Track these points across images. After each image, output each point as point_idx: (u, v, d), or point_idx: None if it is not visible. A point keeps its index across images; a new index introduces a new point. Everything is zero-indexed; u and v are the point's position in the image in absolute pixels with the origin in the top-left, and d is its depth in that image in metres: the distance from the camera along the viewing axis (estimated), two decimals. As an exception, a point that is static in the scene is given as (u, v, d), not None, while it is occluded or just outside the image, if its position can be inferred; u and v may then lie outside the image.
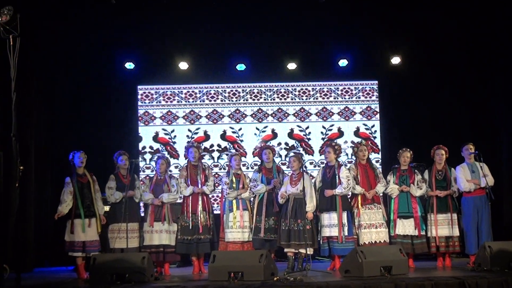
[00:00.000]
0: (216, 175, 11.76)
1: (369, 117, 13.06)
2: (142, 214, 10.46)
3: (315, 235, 10.10)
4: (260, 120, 13.03)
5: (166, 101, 12.94)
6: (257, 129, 13.03)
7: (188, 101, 12.93)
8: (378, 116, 13.04)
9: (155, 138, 12.87)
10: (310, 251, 9.92)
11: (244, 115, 13.01)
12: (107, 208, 10.26)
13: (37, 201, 11.24)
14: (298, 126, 13.07)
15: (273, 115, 13.05)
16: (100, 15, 11.96)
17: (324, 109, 13.06)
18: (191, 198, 10.19)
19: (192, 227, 10.06)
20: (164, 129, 12.90)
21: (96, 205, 10.01)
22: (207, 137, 12.96)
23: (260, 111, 13.02)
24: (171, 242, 10.08)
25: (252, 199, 10.36)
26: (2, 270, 7.82)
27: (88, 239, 9.83)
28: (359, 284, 8.11)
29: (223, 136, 13.00)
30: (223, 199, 10.48)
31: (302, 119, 13.07)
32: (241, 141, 12.97)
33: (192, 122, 12.91)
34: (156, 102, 12.89)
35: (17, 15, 7.54)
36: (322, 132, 13.06)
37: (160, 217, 10.08)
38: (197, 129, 12.95)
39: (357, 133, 13.03)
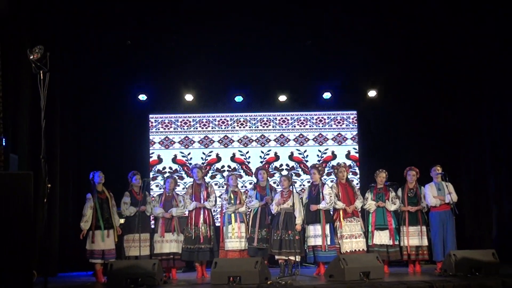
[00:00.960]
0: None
1: (343, 142, 13.06)
2: (153, 226, 10.42)
3: (302, 244, 10.09)
4: (262, 144, 12.98)
5: (183, 128, 12.88)
6: (262, 152, 12.97)
7: (202, 128, 12.92)
8: (357, 141, 13.01)
9: (174, 160, 12.80)
10: (298, 258, 9.91)
11: (251, 140, 12.98)
12: (122, 220, 10.23)
13: (61, 214, 11.18)
14: (297, 149, 13.02)
15: (276, 140, 13.00)
16: (117, 54, 12.02)
17: (320, 135, 13.06)
18: (194, 212, 10.20)
19: (194, 237, 10.07)
20: (181, 152, 12.83)
21: (113, 218, 10.02)
22: (218, 159, 12.89)
23: (262, 136, 12.99)
24: (179, 250, 10.10)
25: (248, 212, 10.32)
26: (31, 275, 7.76)
27: (107, 248, 9.84)
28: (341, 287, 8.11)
29: (233, 158, 12.91)
30: (223, 213, 10.45)
31: (301, 143, 13.04)
32: (248, 162, 12.87)
33: (206, 146, 12.87)
34: (173, 129, 12.85)
35: (47, 53, 7.54)
36: (318, 155, 13.02)
37: (170, 228, 10.11)
38: (210, 152, 12.88)
39: (348, 155, 13.02)
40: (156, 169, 12.77)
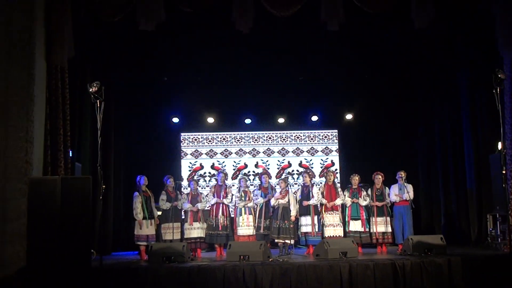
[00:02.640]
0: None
1: (325, 154, 13.02)
2: (183, 217, 10.44)
3: (296, 231, 10.10)
4: (283, 154, 12.98)
5: (209, 142, 12.87)
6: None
7: (222, 143, 12.90)
8: (330, 154, 13.01)
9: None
10: (292, 241, 9.93)
11: (271, 152, 12.98)
12: (159, 213, 10.23)
13: (114, 207, 11.23)
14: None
15: (279, 152, 12.97)
16: (156, 87, 12.12)
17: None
18: (215, 206, 10.23)
19: (214, 225, 10.10)
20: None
21: (154, 211, 10.04)
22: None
23: (283, 149, 12.97)
24: (203, 235, 10.13)
25: (255, 207, 10.32)
26: (90, 254, 7.81)
27: (150, 233, 9.86)
28: (325, 264, 8.11)
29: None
30: (236, 207, 10.47)
31: (297, 154, 12.98)
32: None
33: (226, 156, 12.85)
34: (201, 143, 12.85)
35: (102, 87, 7.62)
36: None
37: (196, 218, 10.14)
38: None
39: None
40: (199, 173, 12.73)
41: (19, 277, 7.04)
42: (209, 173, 12.80)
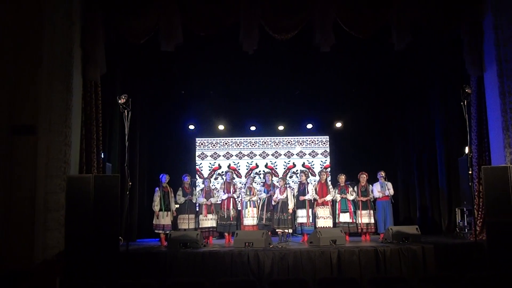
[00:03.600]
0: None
1: (324, 156, 13.01)
2: (197, 209, 10.43)
3: (293, 222, 10.12)
4: (287, 156, 12.90)
5: (218, 146, 12.80)
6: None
7: (232, 147, 12.84)
8: (329, 156, 13.00)
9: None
10: (290, 231, 9.94)
11: (277, 154, 12.89)
12: (177, 206, 10.24)
13: (139, 201, 11.24)
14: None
15: (285, 154, 12.90)
16: (175, 99, 12.14)
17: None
18: (226, 201, 10.22)
19: (226, 216, 10.11)
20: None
21: (171, 204, 10.05)
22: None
23: (288, 152, 12.91)
24: (215, 225, 10.14)
25: (258, 201, 10.33)
26: (118, 240, 7.85)
27: (166, 223, 9.88)
28: (318, 250, 8.12)
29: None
30: (242, 201, 10.48)
31: (301, 157, 12.93)
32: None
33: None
34: (212, 146, 12.80)
35: (129, 99, 7.66)
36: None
37: (210, 211, 10.14)
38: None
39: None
40: (217, 172, 12.68)
41: (58, 260, 7.09)
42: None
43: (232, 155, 12.82)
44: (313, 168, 12.83)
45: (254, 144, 12.91)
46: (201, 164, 12.70)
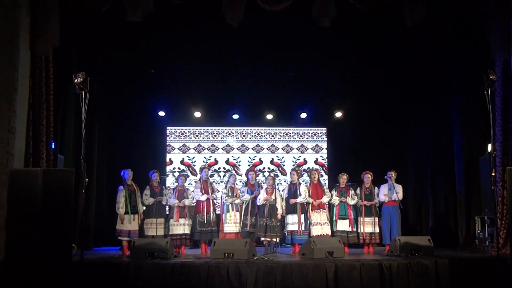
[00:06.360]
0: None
1: (320, 151, 13.07)
2: (167, 213, 10.42)
3: (281, 229, 10.18)
4: (257, 151, 13.02)
5: (193, 137, 12.89)
6: (250, 157, 12.96)
7: (207, 138, 12.92)
8: (325, 151, 13.06)
9: (182, 162, 12.78)
10: (278, 239, 10.00)
11: (247, 148, 12.99)
12: (143, 208, 10.20)
13: (96, 201, 11.21)
14: (277, 156, 13.04)
15: (268, 148, 13.02)
16: (143, 79, 12.08)
17: (302, 145, 13.11)
18: (205, 202, 10.20)
19: (207, 221, 10.10)
20: (188, 156, 12.81)
21: (138, 205, 10.00)
22: (216, 162, 12.87)
23: (257, 145, 13.01)
24: (189, 232, 10.13)
25: (241, 204, 10.34)
26: (71, 248, 7.80)
27: (132, 229, 9.84)
28: (311, 263, 8.11)
29: (227, 162, 12.91)
30: (222, 204, 10.48)
31: (287, 152, 13.08)
32: (239, 165, 12.86)
33: (213, 152, 12.90)
34: (183, 138, 12.90)
35: (88, 78, 7.60)
36: (292, 161, 13.04)
37: (183, 214, 10.10)
38: (210, 156, 12.86)
39: (316, 162, 13.04)
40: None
41: (-2, 270, 7.03)
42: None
43: (204, 148, 12.91)
44: (283, 165, 13.00)
45: (238, 135, 12.95)
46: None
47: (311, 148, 13.05)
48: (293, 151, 13.06)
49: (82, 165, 7.61)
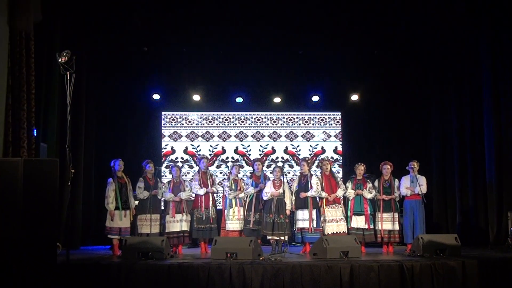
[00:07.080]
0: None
1: (328, 139, 13.06)
2: (163, 208, 10.42)
3: (291, 226, 10.17)
4: (258, 139, 13.01)
5: (197, 123, 12.96)
6: (261, 146, 12.97)
7: (207, 124, 12.96)
8: (341, 138, 13.03)
9: (185, 151, 12.81)
10: (287, 238, 10.00)
11: (246, 135, 12.98)
12: (136, 202, 10.20)
13: (84, 195, 11.22)
14: (291, 145, 13.04)
15: (269, 136, 13.03)
16: (135, 58, 12.06)
17: (308, 133, 13.08)
18: (204, 197, 10.19)
19: (205, 218, 10.09)
20: (192, 145, 12.84)
21: (130, 200, 10.00)
22: (223, 151, 12.90)
23: (258, 133, 13.00)
24: (187, 229, 10.12)
25: (246, 198, 10.33)
26: (56, 247, 7.78)
27: (123, 226, 9.83)
28: (324, 264, 8.08)
29: (236, 151, 12.94)
30: (225, 198, 10.47)
31: (291, 139, 13.07)
32: (249, 154, 12.89)
33: (208, 139, 12.90)
34: (181, 124, 12.91)
35: (73, 57, 7.55)
36: (309, 150, 13.03)
37: (179, 210, 10.11)
38: (216, 145, 12.89)
39: (336, 150, 13.06)
40: (170, 159, 12.78)
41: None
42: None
43: (198, 136, 12.93)
44: (299, 155, 12.96)
45: (243, 121, 12.96)
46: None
47: (334, 136, 13.05)
48: (314, 138, 13.06)
49: (68, 155, 7.58)
